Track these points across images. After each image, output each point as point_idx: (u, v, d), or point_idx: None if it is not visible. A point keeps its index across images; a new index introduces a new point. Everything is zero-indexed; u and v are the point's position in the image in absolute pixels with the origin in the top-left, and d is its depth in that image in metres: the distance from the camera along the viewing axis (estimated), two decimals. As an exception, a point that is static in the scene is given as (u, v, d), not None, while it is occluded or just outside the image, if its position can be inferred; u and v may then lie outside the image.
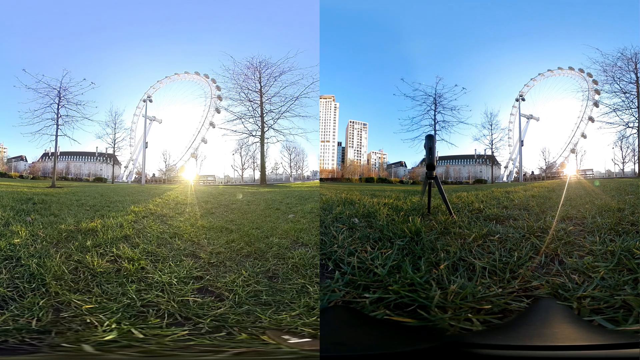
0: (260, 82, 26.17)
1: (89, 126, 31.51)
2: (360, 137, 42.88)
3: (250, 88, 26.34)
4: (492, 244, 2.43)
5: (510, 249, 2.33)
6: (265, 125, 25.96)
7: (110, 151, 29.23)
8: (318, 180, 31.50)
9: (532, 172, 30.15)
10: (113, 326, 1.60)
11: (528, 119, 30.30)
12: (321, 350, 1.27)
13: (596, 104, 27.24)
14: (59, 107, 21.58)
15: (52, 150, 22.63)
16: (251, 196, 9.98)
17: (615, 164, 27.55)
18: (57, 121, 21.43)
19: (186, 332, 1.58)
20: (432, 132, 25.98)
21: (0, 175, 26.95)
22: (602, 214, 3.62)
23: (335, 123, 43.62)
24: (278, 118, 26.06)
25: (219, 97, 29.21)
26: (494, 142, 29.35)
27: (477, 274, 1.88)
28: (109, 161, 29.88)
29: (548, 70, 29.89)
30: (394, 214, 3.78)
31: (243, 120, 26.61)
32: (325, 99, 42.47)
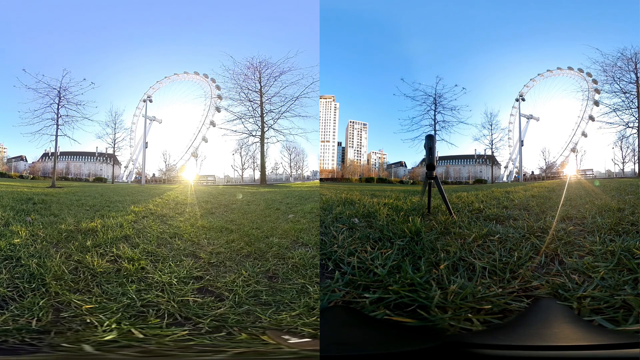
0: (260, 82, 26.14)
1: (89, 126, 31.36)
2: (360, 137, 42.85)
3: (250, 88, 26.30)
4: (492, 244, 2.43)
5: (510, 249, 2.33)
6: (265, 125, 25.94)
7: (110, 151, 29.19)
8: (318, 180, 31.49)
9: (532, 172, 30.15)
10: (113, 326, 1.60)
11: (528, 119, 30.27)
12: (321, 350, 1.27)
13: (596, 103, 27.23)
14: (59, 107, 21.53)
15: (52, 150, 22.59)
16: (251, 196, 9.98)
17: (615, 164, 27.51)
18: (57, 121, 21.38)
19: (186, 332, 1.58)
20: (432, 132, 25.97)
21: (0, 175, 26.94)
22: (602, 214, 3.62)
23: (335, 123, 43.57)
24: (278, 118, 26.03)
25: (219, 97, 29.22)
26: (494, 142, 29.31)
27: (477, 274, 1.88)
28: (109, 161, 29.84)
29: (547, 70, 29.89)
30: (394, 214, 3.78)
31: (243, 120, 26.58)
32: (325, 99, 42.43)
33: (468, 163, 31.47)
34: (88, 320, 1.65)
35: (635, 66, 23.93)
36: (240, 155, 30.74)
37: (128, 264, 2.49)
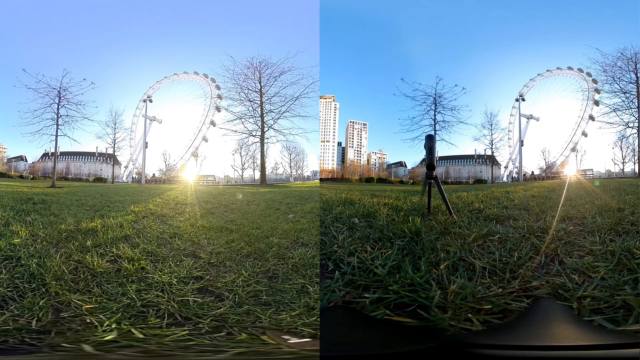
0: (260, 82, 26.14)
1: (89, 126, 31.23)
2: (360, 137, 42.81)
3: (250, 88, 26.29)
4: (492, 244, 2.43)
5: (510, 249, 2.33)
6: (265, 125, 25.94)
7: (110, 151, 29.18)
8: (318, 180, 31.48)
9: (532, 172, 30.15)
10: (113, 326, 1.60)
11: (528, 119, 30.27)
12: (321, 350, 1.27)
13: (596, 103, 27.22)
14: (59, 107, 21.52)
15: (52, 150, 22.61)
16: (251, 196, 9.98)
17: (615, 164, 27.47)
18: (57, 121, 21.37)
19: (186, 332, 1.58)
20: (432, 132, 25.95)
21: (0, 175, 26.93)
22: (602, 214, 3.61)
23: (335, 123, 43.50)
24: (278, 118, 26.02)
25: (219, 97, 29.22)
26: (494, 142, 29.31)
27: (477, 274, 1.88)
28: (109, 161, 29.83)
29: (547, 70, 29.88)
30: (394, 214, 3.78)
31: (243, 120, 26.59)
32: (325, 99, 42.37)
33: (468, 163, 31.45)
34: (88, 320, 1.65)
35: (635, 66, 23.91)
36: (240, 155, 30.73)
37: (128, 264, 2.49)
